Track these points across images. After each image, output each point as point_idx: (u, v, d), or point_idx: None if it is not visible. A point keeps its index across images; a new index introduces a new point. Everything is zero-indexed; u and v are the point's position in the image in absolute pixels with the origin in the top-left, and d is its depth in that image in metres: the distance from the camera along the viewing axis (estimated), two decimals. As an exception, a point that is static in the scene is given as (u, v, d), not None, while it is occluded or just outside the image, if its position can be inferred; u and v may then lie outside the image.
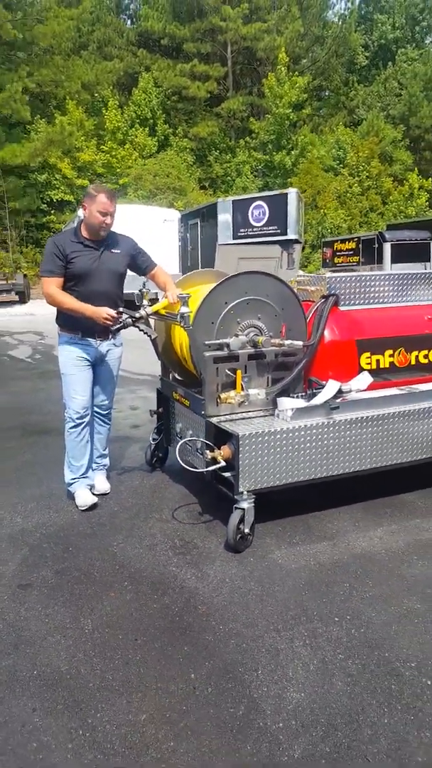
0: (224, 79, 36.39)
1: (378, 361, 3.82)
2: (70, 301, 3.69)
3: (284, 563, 3.19)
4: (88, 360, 3.88)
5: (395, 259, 19.05)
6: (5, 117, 24.93)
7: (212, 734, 2.06)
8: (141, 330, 3.81)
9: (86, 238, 3.76)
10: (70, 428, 3.91)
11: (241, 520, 3.29)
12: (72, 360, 3.85)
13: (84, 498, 3.90)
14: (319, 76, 39.17)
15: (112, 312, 3.66)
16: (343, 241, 22.74)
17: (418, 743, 1.99)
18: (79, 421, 3.88)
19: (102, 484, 4.15)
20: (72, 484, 4.01)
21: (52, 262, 3.69)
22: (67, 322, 3.83)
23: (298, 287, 4.07)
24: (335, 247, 22.86)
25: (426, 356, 3.97)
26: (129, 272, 3.99)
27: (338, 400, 3.51)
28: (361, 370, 3.72)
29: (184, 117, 35.51)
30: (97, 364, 3.96)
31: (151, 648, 2.52)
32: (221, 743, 2.02)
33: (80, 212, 3.86)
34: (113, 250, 3.83)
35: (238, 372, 3.52)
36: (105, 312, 3.65)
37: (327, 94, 41.72)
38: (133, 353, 6.84)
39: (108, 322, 3.66)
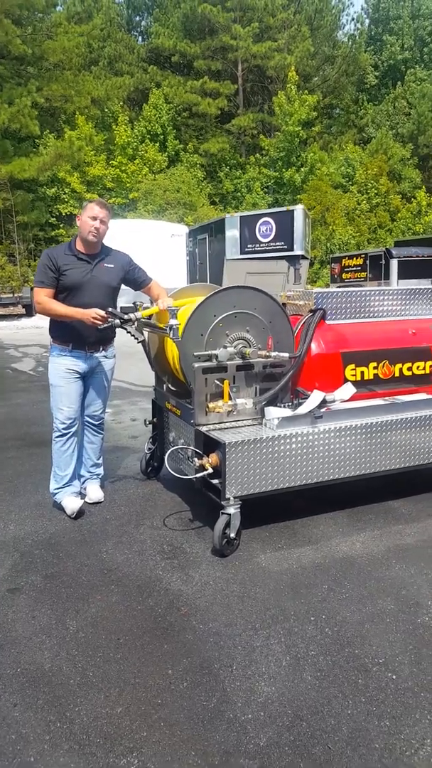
0: (234, 96, 36.94)
1: (363, 372, 3.94)
2: (58, 307, 3.80)
3: (267, 566, 3.29)
4: (77, 372, 3.98)
5: (402, 275, 19.15)
6: (14, 131, 25.14)
7: (184, 725, 2.16)
8: (128, 332, 3.92)
9: (80, 251, 3.89)
10: (56, 438, 4.01)
11: (228, 525, 3.39)
12: (61, 372, 3.95)
13: (71, 505, 3.99)
14: (329, 95, 39.66)
15: (101, 312, 3.75)
16: (351, 257, 22.89)
17: (377, 731, 2.09)
18: (65, 432, 3.99)
19: (95, 493, 4.26)
20: (56, 493, 4.10)
21: (43, 273, 3.81)
22: (59, 333, 3.96)
23: (288, 301, 4.20)
24: (343, 262, 23.01)
25: (410, 368, 4.08)
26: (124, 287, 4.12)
27: (323, 410, 3.62)
28: (346, 381, 3.83)
29: (194, 133, 36.02)
30: (88, 375, 4.07)
31: (132, 647, 2.62)
32: (192, 733, 2.12)
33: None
34: (107, 264, 3.95)
35: (226, 382, 3.64)
36: (93, 311, 3.74)
37: (337, 112, 42.19)
38: (136, 366, 7.00)
39: (97, 322, 3.75)
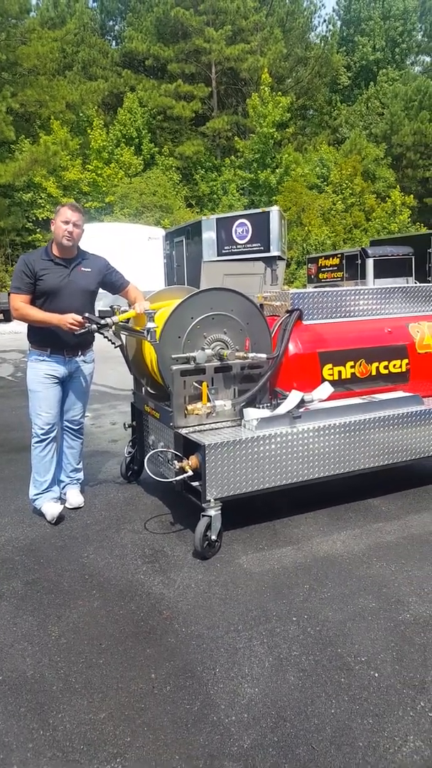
0: (209, 99, 37.04)
1: (340, 372, 3.96)
2: (35, 313, 3.79)
3: (249, 567, 3.29)
4: (56, 377, 3.95)
5: (378, 275, 19.32)
6: (-11, 137, 25.21)
7: (168, 729, 2.15)
8: (106, 337, 3.91)
9: (56, 256, 3.86)
10: (35, 443, 3.98)
11: (208, 527, 3.39)
12: (39, 377, 3.92)
13: (51, 510, 3.95)
14: (303, 96, 39.95)
15: (78, 317, 3.74)
16: (327, 257, 23.08)
17: (361, 730, 2.10)
18: (44, 437, 3.95)
19: (75, 498, 4.23)
20: (36, 500, 4.06)
21: (20, 279, 3.79)
22: (37, 338, 3.93)
23: (265, 302, 4.21)
24: (320, 263, 23.20)
25: (386, 367, 4.12)
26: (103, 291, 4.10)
27: (301, 410, 3.64)
28: (324, 381, 3.85)
29: (169, 136, 36.04)
30: (67, 380, 4.04)
31: (115, 651, 2.61)
32: (175, 737, 2.11)
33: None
34: (84, 269, 3.93)
35: (204, 384, 3.64)
36: (70, 317, 3.72)
37: (310, 113, 42.51)
38: (115, 370, 6.97)
39: (74, 327, 3.73)
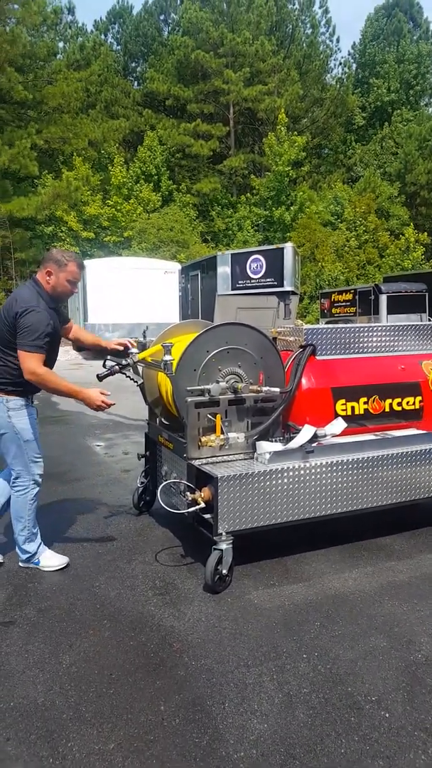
0: (226, 138, 37.87)
1: (353, 407, 3.99)
2: (63, 383, 3.51)
3: (259, 603, 3.28)
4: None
5: (391, 310, 19.39)
6: (14, 172, 25.89)
7: (176, 762, 2.14)
8: (128, 376, 3.97)
9: (49, 303, 3.61)
10: (35, 495, 3.68)
11: (219, 561, 3.39)
12: (33, 423, 3.64)
13: (59, 558, 3.80)
14: (318, 135, 40.70)
15: (107, 398, 3.62)
16: (340, 292, 23.22)
17: (371, 771, 2.08)
18: (40, 482, 3.72)
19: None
20: (37, 551, 3.76)
21: (45, 335, 3.44)
22: (19, 387, 3.57)
23: (279, 337, 4.27)
24: (333, 298, 23.33)
25: (399, 404, 4.14)
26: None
27: (314, 445, 3.66)
28: (337, 416, 3.88)
29: (187, 174, 36.82)
30: None
31: (125, 682, 2.61)
32: (184, 771, 2.10)
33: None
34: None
35: (218, 416, 3.68)
36: (101, 396, 3.60)
37: (325, 152, 43.28)
38: (129, 399, 7.04)
39: (103, 406, 3.61)
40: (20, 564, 3.78)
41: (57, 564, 3.77)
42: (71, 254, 3.65)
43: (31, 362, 3.39)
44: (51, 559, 3.78)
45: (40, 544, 3.78)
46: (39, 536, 3.78)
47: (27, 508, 3.66)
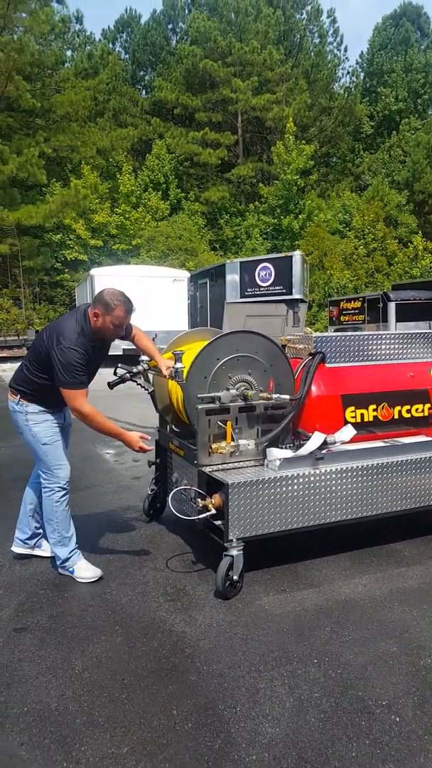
0: (234, 147, 38.06)
1: (362, 414, 4.02)
2: (111, 425, 3.60)
3: (270, 609, 3.30)
4: (60, 427, 3.82)
5: (400, 318, 19.43)
6: (22, 180, 26.13)
7: (189, 765, 2.16)
8: (139, 384, 4.01)
9: (92, 339, 3.63)
10: (61, 498, 3.71)
11: (230, 567, 3.42)
12: (51, 427, 3.73)
13: (93, 570, 3.77)
14: (326, 144, 40.86)
15: (148, 442, 3.68)
16: (349, 300, 23.26)
17: (382, 774, 2.09)
18: (67, 488, 3.77)
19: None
20: (70, 557, 3.75)
21: (82, 371, 3.48)
22: (39, 399, 3.70)
23: (288, 345, 4.31)
24: (341, 306, 23.37)
25: (408, 411, 4.17)
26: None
27: (323, 451, 3.69)
28: (346, 423, 3.91)
29: (195, 182, 37.00)
30: (62, 430, 3.89)
31: (137, 687, 2.64)
32: (197, 774, 2.13)
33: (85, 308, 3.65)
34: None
35: (228, 423, 3.72)
36: (139, 441, 3.64)
37: (334, 160, 43.41)
38: (139, 406, 7.10)
39: (145, 448, 3.66)
40: (59, 570, 3.81)
41: (90, 576, 3.73)
42: (120, 298, 3.56)
43: (76, 401, 3.48)
44: (85, 571, 3.75)
45: (73, 550, 3.76)
46: (73, 542, 3.76)
47: (53, 510, 3.71)
